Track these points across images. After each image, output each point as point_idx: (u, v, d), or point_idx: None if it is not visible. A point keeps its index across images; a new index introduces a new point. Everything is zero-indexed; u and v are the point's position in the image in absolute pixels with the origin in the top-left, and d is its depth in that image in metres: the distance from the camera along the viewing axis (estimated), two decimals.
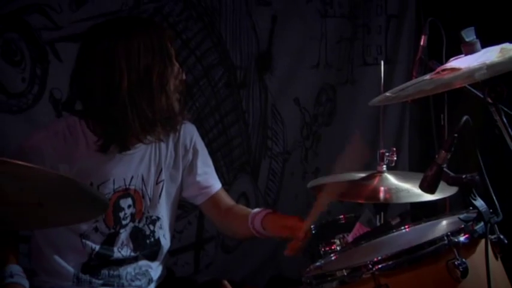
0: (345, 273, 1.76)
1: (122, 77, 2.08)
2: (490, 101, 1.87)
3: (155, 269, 2.33)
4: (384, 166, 2.36)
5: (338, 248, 2.25)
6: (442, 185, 1.82)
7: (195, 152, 2.37)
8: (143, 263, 2.30)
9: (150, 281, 2.32)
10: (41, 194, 1.58)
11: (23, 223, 1.71)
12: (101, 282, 2.24)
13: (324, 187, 2.30)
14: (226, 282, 1.87)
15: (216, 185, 2.42)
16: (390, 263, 1.71)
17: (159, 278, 2.35)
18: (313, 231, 2.51)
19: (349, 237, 2.31)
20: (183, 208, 3.24)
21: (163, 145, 2.28)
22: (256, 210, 2.32)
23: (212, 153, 3.45)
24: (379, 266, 1.71)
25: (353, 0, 3.92)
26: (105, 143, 2.15)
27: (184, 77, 2.22)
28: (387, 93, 2.05)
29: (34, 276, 2.21)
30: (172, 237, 3.26)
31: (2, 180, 1.48)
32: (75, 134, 2.18)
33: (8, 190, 1.52)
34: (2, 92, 2.86)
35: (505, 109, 1.87)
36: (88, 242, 2.22)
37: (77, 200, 1.60)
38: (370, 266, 1.71)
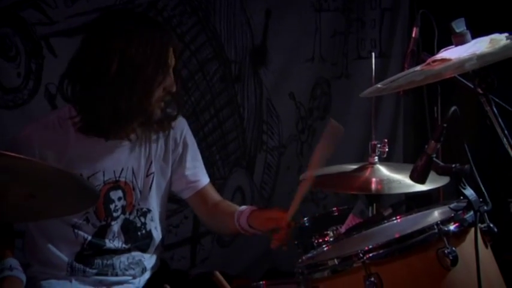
0: (336, 263, 1.76)
1: (111, 65, 2.08)
2: (480, 91, 1.87)
3: (148, 259, 2.34)
4: (376, 157, 2.36)
5: (331, 240, 2.26)
6: (434, 175, 1.82)
7: (185, 146, 2.37)
8: (136, 253, 2.31)
9: (144, 270, 2.33)
10: (33, 185, 1.59)
11: (15, 215, 1.71)
12: (94, 271, 2.25)
13: (304, 174, 2.29)
14: (217, 273, 1.87)
15: (204, 179, 2.42)
16: (381, 251, 1.72)
17: (153, 267, 2.36)
18: (307, 224, 2.52)
19: (342, 229, 2.32)
20: (179, 203, 3.24)
21: (153, 138, 2.29)
22: (242, 207, 2.33)
23: (207, 148, 3.50)
24: (370, 255, 1.71)
25: None
26: (84, 125, 2.15)
27: (174, 89, 2.20)
28: (378, 85, 2.05)
29: (29, 268, 2.22)
30: (169, 232, 3.29)
31: None
32: (65, 126, 2.18)
33: None
34: None
35: (496, 99, 1.87)
36: (80, 233, 2.23)
37: (68, 191, 1.60)
38: (361, 255, 1.72)
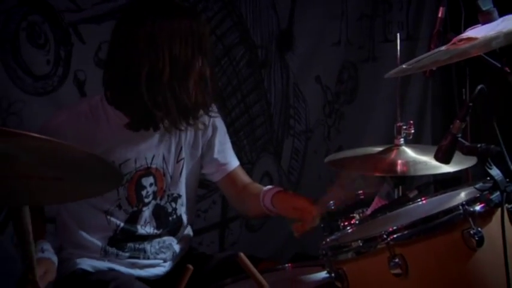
0: (360, 244, 1.75)
1: (164, 67, 2.09)
2: (508, 70, 1.84)
3: (178, 243, 2.36)
4: (402, 139, 2.33)
5: (357, 222, 2.24)
6: (461, 157, 1.79)
7: (214, 130, 2.37)
8: (167, 238, 2.33)
9: (174, 254, 2.34)
10: (60, 168, 1.59)
11: (43, 197, 1.72)
12: (127, 254, 2.27)
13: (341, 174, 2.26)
14: (242, 254, 1.87)
15: (233, 162, 2.42)
16: (405, 232, 1.70)
17: (182, 250, 2.38)
18: (333, 207, 2.51)
19: (368, 212, 2.30)
20: (207, 188, 3.25)
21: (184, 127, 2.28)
22: (267, 187, 2.32)
23: (235, 133, 3.50)
24: (394, 236, 1.69)
25: None
26: (135, 122, 2.17)
27: (208, 74, 2.20)
28: (403, 66, 2.02)
29: (62, 251, 2.25)
30: (197, 217, 3.30)
31: (22, 154, 1.49)
32: (97, 115, 2.19)
33: (27, 164, 1.53)
34: (28, 75, 2.88)
35: None
36: (112, 219, 2.24)
37: (94, 173, 1.60)
38: (385, 236, 1.70)
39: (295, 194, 2.35)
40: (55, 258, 2.10)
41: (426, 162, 2.23)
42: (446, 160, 1.76)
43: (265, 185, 2.40)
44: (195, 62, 2.14)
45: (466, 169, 2.23)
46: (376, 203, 2.32)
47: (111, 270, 2.24)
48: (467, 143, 1.75)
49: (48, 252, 2.09)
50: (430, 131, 4.15)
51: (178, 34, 2.11)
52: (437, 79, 4.02)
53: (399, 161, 2.28)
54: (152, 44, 2.09)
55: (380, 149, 2.38)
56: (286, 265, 2.23)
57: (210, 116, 2.30)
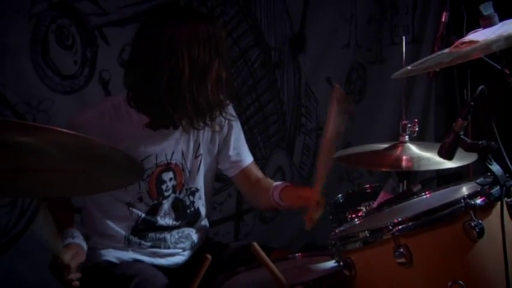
0: (367, 234, 1.75)
1: (184, 70, 2.10)
2: (507, 71, 1.83)
3: (196, 233, 2.37)
4: (406, 137, 2.33)
5: (364, 215, 2.24)
6: (462, 153, 1.78)
7: (230, 128, 2.37)
8: (185, 229, 2.34)
9: (193, 243, 2.35)
10: (86, 161, 1.60)
11: (69, 189, 1.74)
12: (149, 244, 2.28)
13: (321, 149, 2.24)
14: (255, 244, 1.87)
15: (248, 158, 2.42)
16: (409, 224, 1.70)
17: (200, 240, 2.39)
18: (341, 200, 2.51)
19: (374, 205, 2.30)
20: (223, 182, 3.26)
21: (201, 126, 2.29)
22: (277, 183, 2.33)
23: (249, 130, 3.50)
24: (399, 227, 1.70)
25: None
26: (155, 122, 2.18)
27: (225, 75, 2.20)
28: (408, 67, 2.02)
29: (88, 240, 2.25)
30: (213, 209, 3.30)
31: (50, 149, 1.50)
32: (120, 114, 2.20)
33: (55, 157, 1.54)
34: (56, 74, 2.91)
35: None
36: (134, 210, 2.26)
37: (117, 167, 1.62)
38: (391, 227, 1.70)
39: (300, 186, 2.34)
40: (84, 244, 2.12)
41: (429, 158, 2.22)
42: (449, 156, 1.75)
43: (278, 180, 2.40)
44: (212, 64, 2.14)
45: (468, 165, 2.23)
46: (382, 197, 2.32)
47: (135, 261, 2.26)
48: (469, 140, 1.75)
49: (77, 238, 2.11)
50: (433, 129, 4.12)
51: (196, 38, 2.11)
52: (440, 80, 4.00)
53: (404, 157, 2.27)
54: (172, 48, 2.10)
55: (386, 145, 2.38)
56: (297, 254, 2.24)
57: (226, 118, 2.30)
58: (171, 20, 2.14)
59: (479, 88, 1.74)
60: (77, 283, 1.98)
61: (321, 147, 2.18)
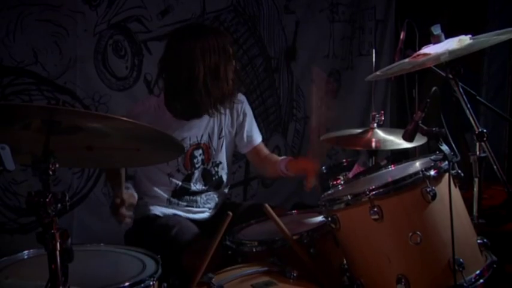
0: (349, 198, 1.72)
1: (199, 71, 2.06)
2: (451, 76, 1.78)
3: (218, 196, 2.33)
4: (375, 124, 2.28)
5: (342, 182, 2.20)
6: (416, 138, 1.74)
7: (244, 115, 2.33)
8: (211, 192, 2.30)
9: (216, 204, 2.32)
10: (138, 142, 1.56)
11: (126, 162, 1.70)
12: (184, 204, 2.26)
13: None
14: (267, 205, 1.83)
15: (258, 139, 2.38)
16: (381, 190, 1.67)
17: (221, 201, 2.35)
18: (325, 171, 2.47)
19: (350, 175, 2.25)
20: (235, 156, 3.21)
21: (223, 111, 2.25)
22: (283, 157, 2.30)
23: (254, 118, 3.44)
24: (374, 192, 1.67)
25: (352, 9, 3.78)
26: (181, 113, 2.14)
27: (237, 67, 2.18)
28: (378, 72, 1.97)
29: (140, 199, 2.22)
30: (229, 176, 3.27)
31: (111, 132, 1.45)
32: (162, 110, 2.17)
33: (116, 138, 1.49)
34: (113, 76, 2.89)
35: (460, 83, 1.78)
36: (173, 179, 2.22)
37: (163, 146, 1.57)
38: (367, 192, 1.67)
39: (301, 158, 2.31)
40: (136, 194, 2.08)
41: (392, 140, 2.19)
42: (410, 139, 1.72)
43: (276, 155, 2.38)
44: (221, 65, 2.10)
45: (415, 147, 2.19)
46: (355, 169, 2.27)
47: (175, 215, 2.23)
48: (425, 127, 1.70)
49: (130, 190, 2.08)
50: (389, 118, 4.08)
51: (208, 47, 2.08)
52: (395, 82, 3.93)
53: (373, 139, 2.23)
54: (189, 56, 2.07)
55: (360, 130, 2.33)
56: (293, 211, 2.21)
57: (235, 103, 2.26)
58: (187, 35, 2.11)
59: (433, 89, 1.70)
60: (129, 220, 1.94)
61: (310, 130, 2.16)
